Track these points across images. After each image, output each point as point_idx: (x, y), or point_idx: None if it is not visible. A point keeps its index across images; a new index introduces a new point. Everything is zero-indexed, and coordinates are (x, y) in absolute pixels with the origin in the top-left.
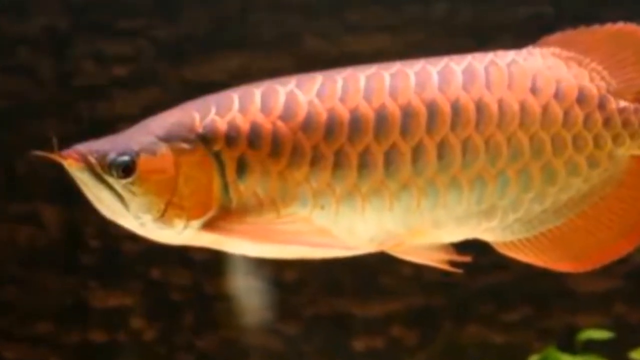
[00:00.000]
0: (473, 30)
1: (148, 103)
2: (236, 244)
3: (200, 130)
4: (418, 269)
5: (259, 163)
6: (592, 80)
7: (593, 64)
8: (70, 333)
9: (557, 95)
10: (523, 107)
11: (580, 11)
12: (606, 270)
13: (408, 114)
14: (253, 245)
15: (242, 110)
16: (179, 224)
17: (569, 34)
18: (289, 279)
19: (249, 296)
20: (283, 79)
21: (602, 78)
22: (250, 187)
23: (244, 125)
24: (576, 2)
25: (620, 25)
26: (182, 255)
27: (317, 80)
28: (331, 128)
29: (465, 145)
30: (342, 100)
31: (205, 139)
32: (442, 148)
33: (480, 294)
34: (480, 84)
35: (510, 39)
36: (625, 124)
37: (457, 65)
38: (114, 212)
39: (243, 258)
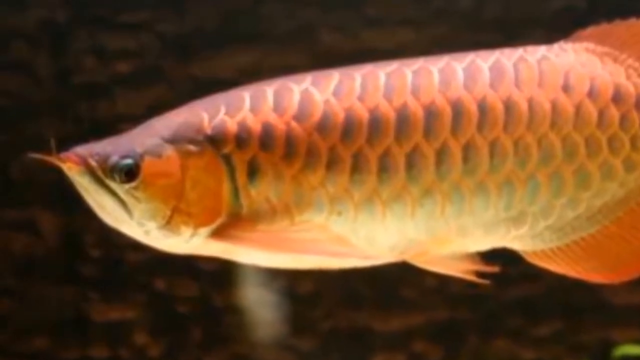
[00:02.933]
0: (501, 24)
1: (153, 102)
2: (247, 253)
3: (208, 131)
4: (442, 280)
5: (272, 166)
6: (628, 77)
7: (630, 60)
8: (69, 348)
9: (591, 94)
10: (555, 107)
11: (616, 3)
12: None
13: (431, 113)
14: (265, 254)
15: (254, 109)
16: (186, 231)
17: (604, 28)
18: (304, 291)
19: (261, 309)
20: (297, 77)
21: None
22: (262, 192)
23: (255, 125)
24: None
25: None
26: (189, 265)
27: (333, 77)
28: (349, 129)
29: (493, 147)
30: (361, 99)
31: (214, 141)
32: (468, 150)
33: (509, 307)
34: (508, 82)
35: (541, 33)
36: None
37: (484, 62)
38: (116, 219)
39: (254, 268)
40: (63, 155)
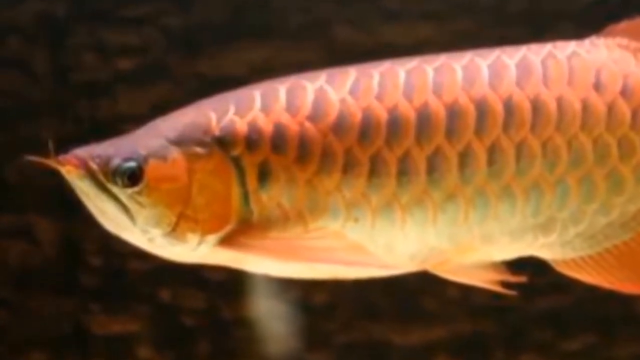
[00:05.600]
0: (528, 18)
1: (157, 101)
2: (258, 262)
3: (217, 132)
4: (465, 290)
5: (284, 170)
6: None
7: None
8: None
9: (624, 93)
10: (585, 106)
11: None
12: None
13: (454, 113)
14: (277, 263)
15: (265, 109)
16: (193, 239)
17: (638, 22)
18: (318, 302)
19: (273, 322)
20: (311, 74)
21: None
22: (274, 197)
23: (266, 126)
24: None
25: None
26: (196, 275)
27: (350, 75)
28: (367, 130)
29: (520, 149)
30: (379, 98)
31: (223, 143)
32: (493, 152)
33: (537, 320)
34: (536, 80)
35: (571, 28)
36: None
37: (511, 59)
38: (119, 226)
39: (265, 278)
40: (62, 157)
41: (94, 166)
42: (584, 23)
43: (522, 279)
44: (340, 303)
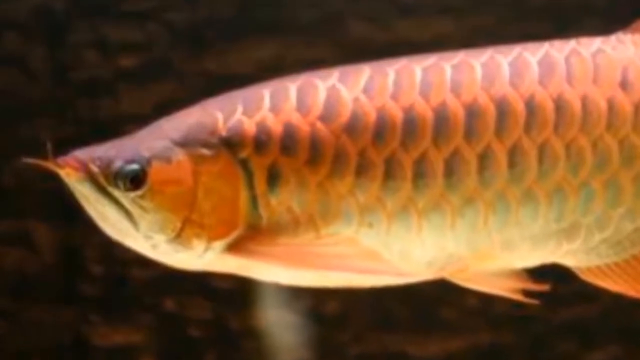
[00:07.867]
0: (551, 13)
1: (161, 100)
2: (267, 269)
3: (223, 133)
4: (486, 299)
5: (295, 172)
6: None
7: None
8: None
9: None
10: (611, 106)
11: None
12: None
13: (473, 113)
14: (287, 271)
15: (275, 109)
16: (199, 245)
17: None
18: (331, 312)
19: (282, 332)
20: (323, 72)
21: None
22: (283, 201)
23: (276, 127)
24: None
25: None
26: (202, 283)
27: (364, 73)
28: (381, 130)
29: (542, 151)
30: (395, 97)
31: (230, 144)
32: (514, 154)
33: (560, 330)
34: (560, 78)
35: (597, 23)
36: None
37: (533, 56)
38: (121, 232)
39: (275, 287)
40: (61, 160)
41: (95, 169)
42: (610, 18)
43: (544, 287)
44: (354, 313)
